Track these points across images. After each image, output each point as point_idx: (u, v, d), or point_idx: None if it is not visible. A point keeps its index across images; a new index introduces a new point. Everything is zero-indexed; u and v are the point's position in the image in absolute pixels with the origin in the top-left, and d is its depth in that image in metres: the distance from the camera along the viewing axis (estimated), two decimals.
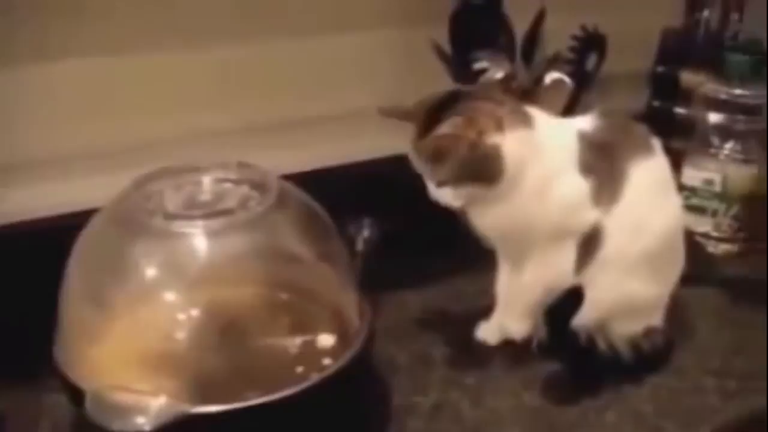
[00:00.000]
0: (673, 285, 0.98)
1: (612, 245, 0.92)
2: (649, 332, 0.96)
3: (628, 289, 0.94)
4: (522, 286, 0.97)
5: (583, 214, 0.91)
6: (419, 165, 0.91)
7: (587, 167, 0.90)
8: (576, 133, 0.92)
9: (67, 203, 1.01)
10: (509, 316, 0.99)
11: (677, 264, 0.98)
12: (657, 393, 0.93)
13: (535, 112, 0.92)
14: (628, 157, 0.92)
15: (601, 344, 0.93)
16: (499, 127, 0.87)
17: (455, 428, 0.88)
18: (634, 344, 0.95)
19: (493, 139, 0.86)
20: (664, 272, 0.97)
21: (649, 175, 0.93)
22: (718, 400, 0.93)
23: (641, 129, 0.97)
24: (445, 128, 0.86)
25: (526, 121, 0.89)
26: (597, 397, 0.92)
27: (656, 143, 0.96)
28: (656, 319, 0.98)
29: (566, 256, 0.92)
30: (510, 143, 0.87)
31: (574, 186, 0.90)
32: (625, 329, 0.95)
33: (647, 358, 0.95)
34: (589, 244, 0.92)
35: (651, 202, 0.93)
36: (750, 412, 0.92)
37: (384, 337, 0.96)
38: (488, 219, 0.93)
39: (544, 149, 0.89)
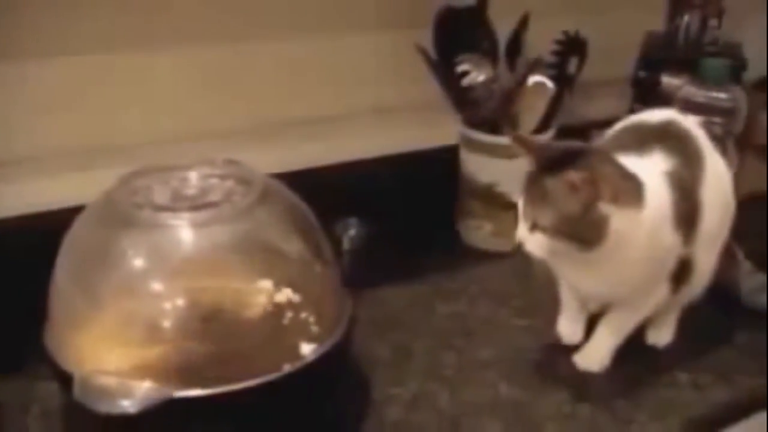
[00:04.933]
0: None
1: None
2: None
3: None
4: (614, 329, 0.98)
5: (672, 258, 0.92)
6: (523, 201, 0.88)
7: (680, 218, 0.90)
8: (665, 181, 0.91)
9: (54, 200, 1.02)
10: (597, 353, 0.99)
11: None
12: (630, 386, 0.96)
13: (641, 173, 0.88)
14: (700, 181, 0.94)
15: None
16: (615, 199, 0.84)
17: (433, 418, 0.90)
18: None
19: (605, 208, 0.84)
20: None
21: (714, 182, 0.95)
22: (691, 394, 0.95)
23: (693, 135, 0.97)
24: (570, 176, 0.83)
25: (638, 198, 0.86)
26: (573, 389, 0.95)
27: (704, 138, 0.97)
28: None
29: (658, 294, 0.95)
30: (618, 219, 0.85)
31: (670, 243, 0.91)
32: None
33: None
34: (681, 271, 0.94)
35: (719, 200, 0.96)
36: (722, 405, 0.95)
37: (366, 331, 0.98)
38: (589, 282, 0.94)
39: (647, 219, 0.87)
